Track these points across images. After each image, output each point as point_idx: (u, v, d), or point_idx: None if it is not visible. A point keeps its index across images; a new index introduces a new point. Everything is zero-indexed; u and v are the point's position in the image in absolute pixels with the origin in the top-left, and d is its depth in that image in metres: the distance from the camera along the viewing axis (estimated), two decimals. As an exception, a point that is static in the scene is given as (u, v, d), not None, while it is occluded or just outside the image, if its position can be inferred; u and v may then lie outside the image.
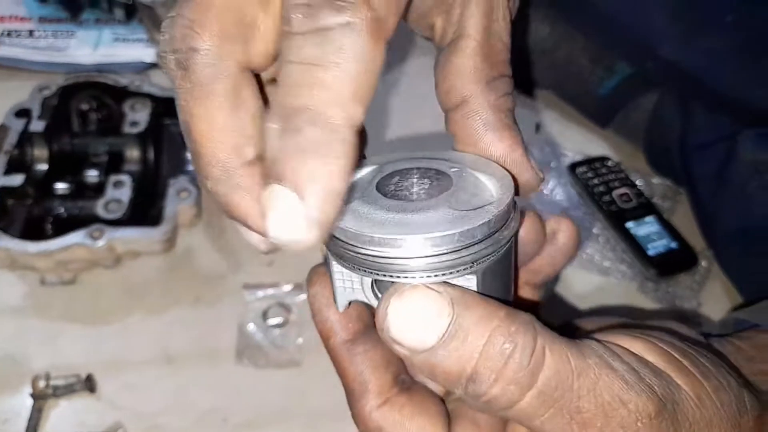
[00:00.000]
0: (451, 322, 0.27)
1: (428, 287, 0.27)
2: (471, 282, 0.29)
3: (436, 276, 0.28)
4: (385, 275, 0.28)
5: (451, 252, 0.27)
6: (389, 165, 0.33)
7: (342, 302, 0.32)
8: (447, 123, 0.34)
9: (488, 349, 0.27)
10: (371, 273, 0.28)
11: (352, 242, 0.28)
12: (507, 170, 0.32)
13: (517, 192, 0.32)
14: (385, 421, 0.34)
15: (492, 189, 0.31)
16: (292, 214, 0.24)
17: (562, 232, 0.37)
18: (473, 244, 0.28)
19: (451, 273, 0.28)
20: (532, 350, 0.27)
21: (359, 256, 0.28)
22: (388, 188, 0.31)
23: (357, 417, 0.35)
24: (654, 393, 0.28)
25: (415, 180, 0.31)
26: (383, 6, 0.26)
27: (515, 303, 0.30)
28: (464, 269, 0.28)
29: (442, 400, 0.36)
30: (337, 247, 0.29)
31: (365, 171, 0.33)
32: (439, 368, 0.27)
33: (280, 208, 0.24)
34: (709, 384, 0.30)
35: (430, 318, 0.27)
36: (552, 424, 0.27)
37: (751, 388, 0.33)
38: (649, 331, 0.33)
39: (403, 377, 0.36)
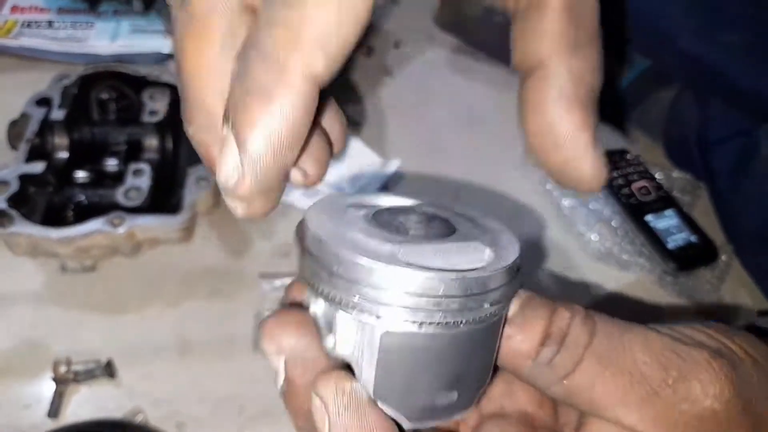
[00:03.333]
0: None
1: None
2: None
3: (367, 314, 0.25)
4: (328, 295, 0.25)
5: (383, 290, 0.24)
6: (417, 205, 0.30)
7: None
8: (519, 91, 0.29)
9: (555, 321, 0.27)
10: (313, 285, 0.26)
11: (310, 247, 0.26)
12: (519, 260, 0.27)
13: (515, 285, 0.28)
14: None
15: (486, 262, 0.27)
16: (232, 160, 0.23)
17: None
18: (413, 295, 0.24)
19: (376, 317, 0.25)
20: (584, 317, 0.27)
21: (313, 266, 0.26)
22: (383, 217, 0.28)
23: None
24: (705, 345, 0.28)
25: (414, 220, 0.28)
26: None
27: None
28: (399, 318, 0.25)
29: None
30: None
31: (387, 201, 0.30)
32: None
33: (225, 153, 0.23)
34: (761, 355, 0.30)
35: None
36: (614, 384, 0.27)
37: None
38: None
39: None
